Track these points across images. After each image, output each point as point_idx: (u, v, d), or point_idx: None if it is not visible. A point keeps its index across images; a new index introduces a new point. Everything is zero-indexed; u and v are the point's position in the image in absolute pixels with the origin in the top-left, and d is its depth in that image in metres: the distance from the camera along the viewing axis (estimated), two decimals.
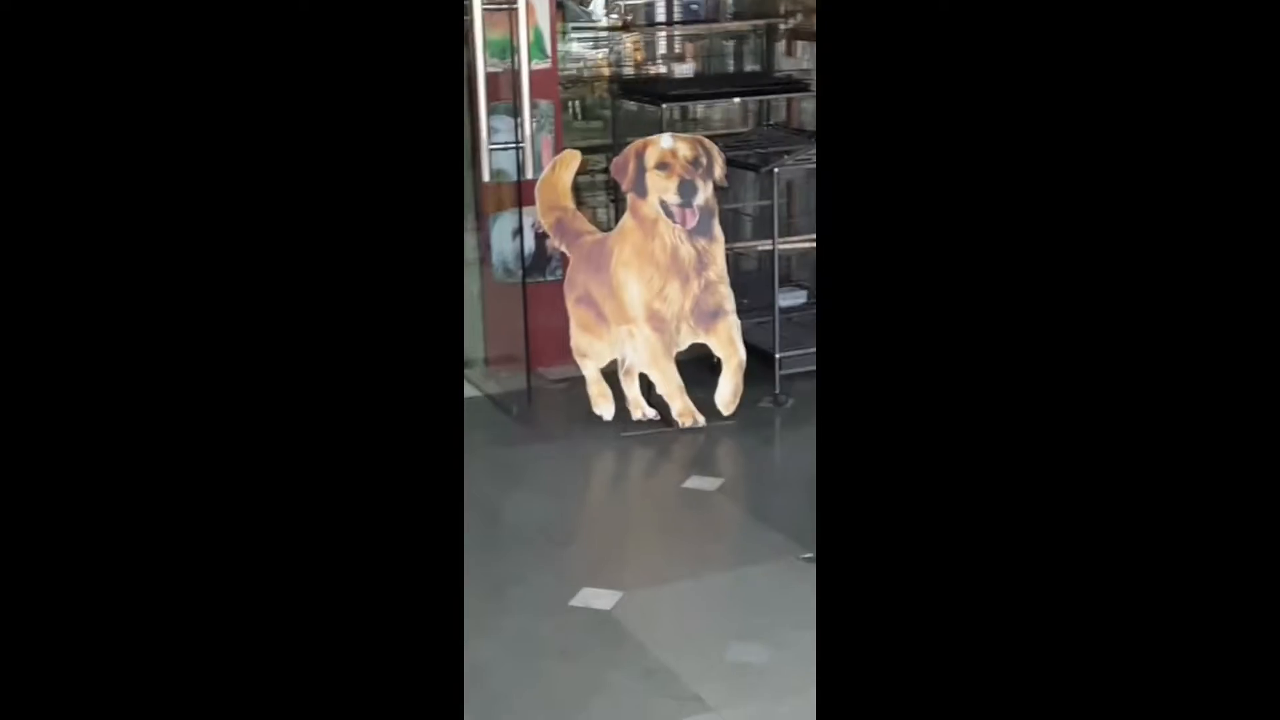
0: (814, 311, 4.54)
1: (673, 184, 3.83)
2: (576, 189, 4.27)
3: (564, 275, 4.16)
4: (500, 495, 3.51)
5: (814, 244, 4.53)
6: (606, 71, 5.02)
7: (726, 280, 3.96)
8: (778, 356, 4.12)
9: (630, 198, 3.93)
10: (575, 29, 4.92)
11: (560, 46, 4.55)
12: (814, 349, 4.11)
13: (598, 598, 2.95)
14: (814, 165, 4.24)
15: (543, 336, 4.23)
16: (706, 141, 3.98)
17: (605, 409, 4.08)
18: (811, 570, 3.03)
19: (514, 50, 4.10)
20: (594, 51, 4.99)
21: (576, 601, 2.94)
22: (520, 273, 4.32)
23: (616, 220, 4.14)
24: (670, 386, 3.98)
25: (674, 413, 3.99)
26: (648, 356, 3.96)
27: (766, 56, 5.18)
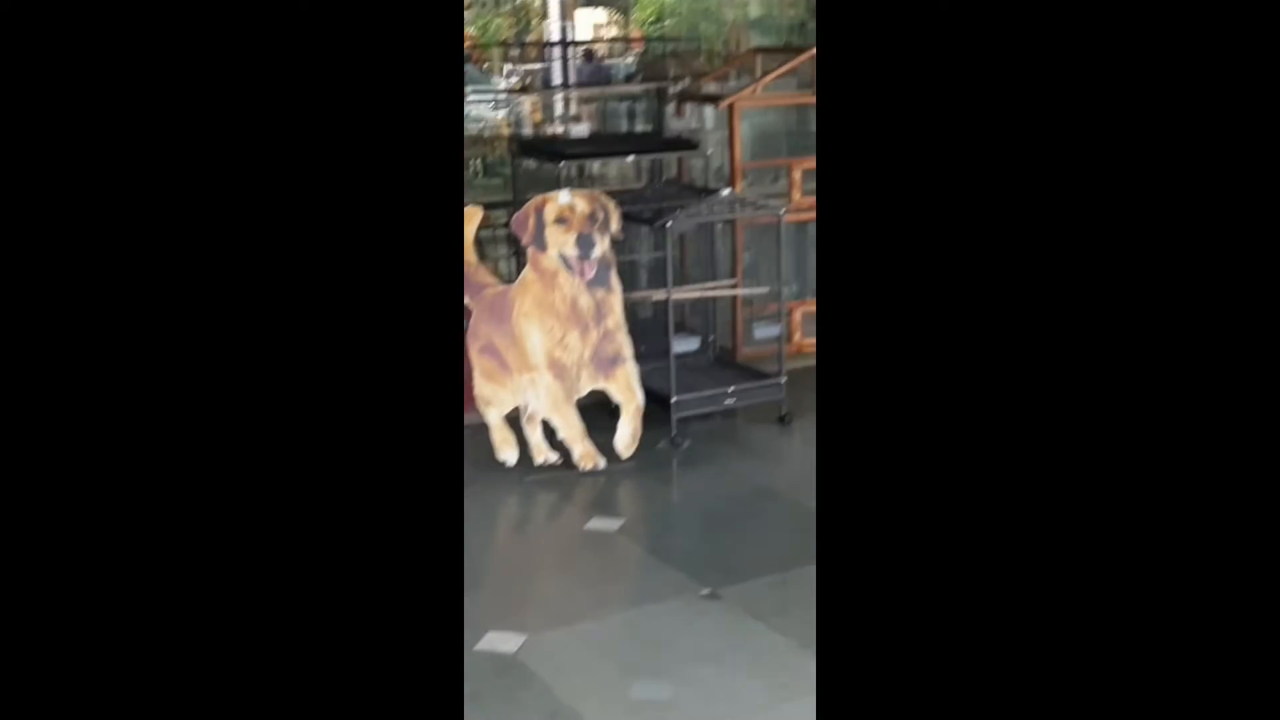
0: (707, 356, 4.73)
1: (571, 237, 3.92)
2: (479, 243, 4.35)
3: (467, 326, 4.24)
4: None
5: (705, 292, 4.70)
6: (506, 131, 5.15)
7: (624, 328, 4.07)
8: (673, 400, 4.24)
9: (531, 251, 4.02)
10: (475, 91, 5.04)
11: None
12: (708, 392, 4.32)
13: (503, 641, 2.97)
14: (703, 219, 4.41)
15: None
16: (603, 197, 4.09)
17: (509, 454, 4.15)
18: (711, 606, 3.13)
19: None
20: (494, 112, 5.13)
21: (482, 645, 2.95)
22: None
23: (518, 273, 4.21)
24: (572, 431, 4.07)
25: (575, 456, 4.07)
26: (549, 403, 4.05)
27: (657, 118, 5.35)
